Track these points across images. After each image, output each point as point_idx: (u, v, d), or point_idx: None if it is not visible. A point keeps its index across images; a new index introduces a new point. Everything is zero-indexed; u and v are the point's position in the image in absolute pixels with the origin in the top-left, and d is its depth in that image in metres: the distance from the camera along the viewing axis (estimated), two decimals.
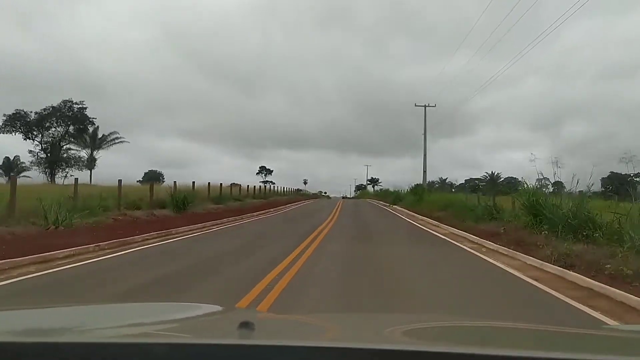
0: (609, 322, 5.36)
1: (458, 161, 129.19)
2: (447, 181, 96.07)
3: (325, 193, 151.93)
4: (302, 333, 1.67)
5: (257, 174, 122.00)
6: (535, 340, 1.68)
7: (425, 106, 45.15)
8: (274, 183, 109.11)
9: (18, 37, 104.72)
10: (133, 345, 1.18)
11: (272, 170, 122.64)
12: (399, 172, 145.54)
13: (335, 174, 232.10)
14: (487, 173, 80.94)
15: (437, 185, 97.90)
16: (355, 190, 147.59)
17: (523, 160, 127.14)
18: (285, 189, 73.13)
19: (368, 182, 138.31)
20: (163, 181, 42.99)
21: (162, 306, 2.46)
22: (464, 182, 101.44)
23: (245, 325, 1.25)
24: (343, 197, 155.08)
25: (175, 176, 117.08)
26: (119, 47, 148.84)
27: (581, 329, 2.38)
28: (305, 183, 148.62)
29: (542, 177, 17.56)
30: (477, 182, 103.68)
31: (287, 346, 1.16)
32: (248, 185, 49.81)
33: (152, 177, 49.86)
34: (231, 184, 52.85)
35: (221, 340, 1.26)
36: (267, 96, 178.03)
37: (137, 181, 29.19)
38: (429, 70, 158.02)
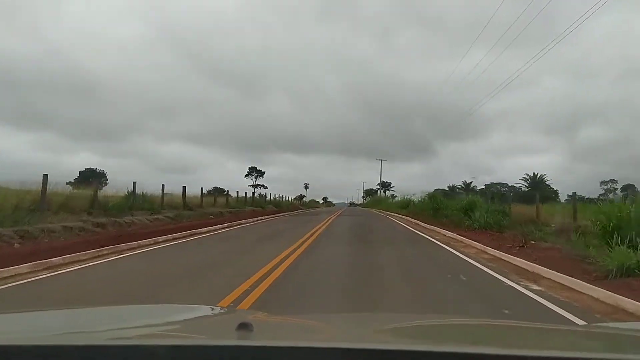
0: None
1: (468, 166, 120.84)
2: (471, 186, 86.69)
3: (325, 200, 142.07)
4: (300, 334, 1.68)
5: (246, 176, 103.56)
6: (531, 338, 1.68)
7: None
8: (266, 187, 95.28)
9: (2, 33, 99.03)
10: (133, 347, 1.19)
11: (264, 172, 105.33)
12: (409, 178, 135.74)
13: (342, 178, 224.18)
14: (527, 175, 68.47)
15: (459, 190, 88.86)
16: (364, 196, 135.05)
17: (536, 165, 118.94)
18: (268, 196, 55.62)
19: (379, 187, 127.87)
20: (105, 183, 34.72)
21: (160, 308, 2.49)
22: (483, 187, 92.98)
23: (244, 326, 1.25)
24: (350, 204, 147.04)
25: (176, 181, 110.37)
26: (112, 45, 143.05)
27: (574, 327, 2.85)
28: (306, 188, 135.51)
29: (608, 180, 10.72)
30: (498, 187, 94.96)
31: (285, 347, 1.17)
32: (243, 193, 42.64)
33: (91, 177, 41.05)
34: (213, 189, 44.50)
35: (220, 342, 1.27)
36: (269, 97, 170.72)
37: (68, 183, 21.39)
38: (440, 69, 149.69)
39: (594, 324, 4.27)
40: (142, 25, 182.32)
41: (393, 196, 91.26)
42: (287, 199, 67.54)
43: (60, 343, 1.23)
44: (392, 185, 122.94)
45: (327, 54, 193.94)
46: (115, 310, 2.32)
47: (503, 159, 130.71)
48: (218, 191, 46.05)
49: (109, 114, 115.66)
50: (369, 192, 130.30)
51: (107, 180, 47.05)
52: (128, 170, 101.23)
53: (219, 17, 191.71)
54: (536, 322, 2.64)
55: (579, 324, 5.19)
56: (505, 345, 1.53)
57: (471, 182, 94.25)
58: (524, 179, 63.01)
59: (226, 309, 3.24)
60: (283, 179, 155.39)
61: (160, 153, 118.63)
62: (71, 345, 1.19)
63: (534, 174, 64.85)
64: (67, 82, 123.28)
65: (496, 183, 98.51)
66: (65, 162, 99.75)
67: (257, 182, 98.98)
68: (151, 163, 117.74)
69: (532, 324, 2.19)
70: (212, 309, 2.16)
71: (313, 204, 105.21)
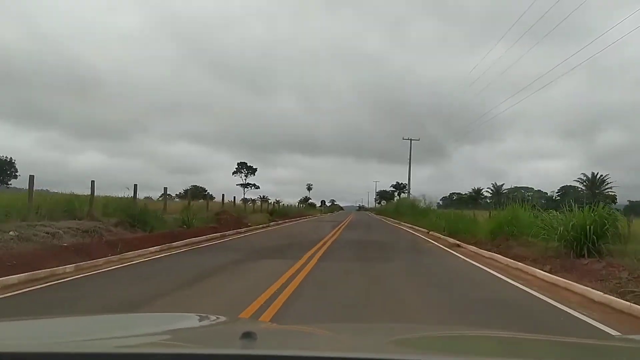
0: None
1: (480, 170, 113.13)
2: (503, 189, 78.84)
3: (332, 203, 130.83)
4: (304, 343, 1.67)
5: (234, 173, 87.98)
6: (541, 350, 1.66)
7: None
8: (257, 187, 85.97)
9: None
10: (137, 355, 1.21)
11: (255, 169, 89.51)
12: (421, 182, 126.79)
13: (352, 181, 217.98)
14: (584, 175, 57.41)
15: (487, 195, 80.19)
16: (377, 198, 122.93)
17: (551, 170, 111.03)
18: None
19: (393, 189, 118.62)
20: (14, 176, 28.74)
21: (165, 317, 2.57)
22: (505, 191, 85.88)
23: (248, 335, 1.25)
24: (359, 208, 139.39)
25: (183, 182, 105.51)
26: (113, 40, 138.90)
27: (587, 340, 2.54)
28: (309, 189, 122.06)
29: None
30: (523, 191, 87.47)
31: (289, 356, 1.20)
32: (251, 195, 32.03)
33: None
34: (191, 188, 38.48)
35: (224, 350, 1.28)
36: (276, 96, 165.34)
37: None
38: (456, 66, 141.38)
39: (624, 336, 4.05)
40: (143, 21, 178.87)
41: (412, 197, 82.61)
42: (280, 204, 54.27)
43: (64, 350, 1.22)
44: (407, 188, 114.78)
45: (336, 50, 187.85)
46: (120, 319, 2.36)
47: (518, 163, 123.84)
48: (197, 191, 39.80)
49: (111, 112, 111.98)
50: (383, 195, 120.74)
51: (16, 172, 39.71)
52: (133, 170, 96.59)
53: (222, 10, 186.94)
54: (559, 336, 2.59)
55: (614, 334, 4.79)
56: (514, 356, 1.53)
57: (502, 185, 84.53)
58: (580, 180, 52.80)
59: (231, 319, 3.17)
60: (292, 181, 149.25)
61: (165, 153, 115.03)
62: (75, 352, 1.20)
63: (592, 174, 53.67)
64: (67, 79, 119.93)
65: (520, 187, 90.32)
66: (68, 161, 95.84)
67: (247, 182, 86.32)
68: (155, 163, 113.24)
69: (552, 337, 2.12)
70: (217, 318, 2.08)
71: (308, 210, 70.65)
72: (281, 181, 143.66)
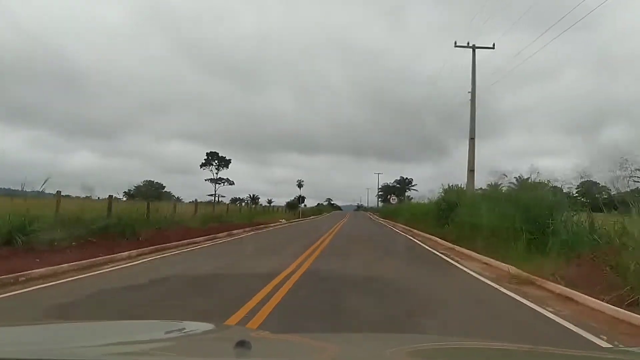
0: None
1: (482, 168, 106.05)
2: (530, 179, 70.86)
3: (329, 202, 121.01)
4: (298, 353, 1.65)
5: (202, 166, 68.36)
6: None
7: None
8: (232, 183, 70.44)
9: None
10: None
11: (229, 161, 69.93)
12: (423, 180, 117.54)
13: (350, 180, 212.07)
14: None
15: (513, 184, 73.02)
16: (379, 195, 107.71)
17: (554, 168, 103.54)
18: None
19: (397, 184, 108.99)
20: None
21: (157, 324, 2.49)
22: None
23: (242, 344, 1.24)
24: (358, 207, 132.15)
25: (177, 183, 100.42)
26: (98, 33, 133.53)
27: (587, 352, 2.55)
28: (300, 186, 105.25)
29: None
30: None
31: None
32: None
33: None
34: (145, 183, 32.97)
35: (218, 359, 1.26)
36: (270, 93, 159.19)
37: None
38: (457, 58, 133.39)
39: (620, 348, 4.07)
40: (132, 15, 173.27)
41: (409, 197, 73.62)
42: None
43: (50, 357, 1.20)
44: (413, 184, 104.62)
45: (333, 44, 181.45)
46: (111, 326, 2.28)
47: (520, 160, 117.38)
48: (152, 188, 33.85)
49: (102, 111, 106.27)
50: (388, 190, 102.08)
51: None
52: (125, 169, 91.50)
53: (215, 3, 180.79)
54: (560, 348, 2.57)
55: (604, 346, 4.83)
56: None
57: (528, 178, 76.71)
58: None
59: (226, 326, 3.17)
60: (289, 180, 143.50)
61: (157, 152, 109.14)
62: None
63: None
64: (57, 76, 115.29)
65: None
66: (57, 161, 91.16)
67: (218, 176, 69.65)
68: (145, 162, 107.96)
69: (556, 350, 2.19)
70: (212, 325, 2.09)
71: (268, 215, 43.60)
72: (279, 181, 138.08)
